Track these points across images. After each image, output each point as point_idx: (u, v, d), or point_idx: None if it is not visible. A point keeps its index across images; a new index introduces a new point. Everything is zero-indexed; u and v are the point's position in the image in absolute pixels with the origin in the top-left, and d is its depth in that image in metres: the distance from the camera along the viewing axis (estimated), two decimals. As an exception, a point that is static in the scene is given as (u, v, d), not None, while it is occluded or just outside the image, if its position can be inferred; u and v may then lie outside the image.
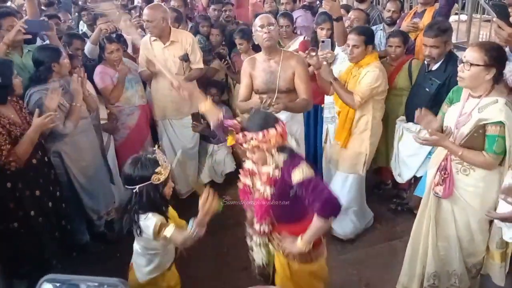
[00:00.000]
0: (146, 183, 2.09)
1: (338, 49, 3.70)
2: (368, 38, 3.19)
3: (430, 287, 2.74)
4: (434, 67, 3.10)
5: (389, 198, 4.07)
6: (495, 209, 2.37)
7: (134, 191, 2.10)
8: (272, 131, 2.01)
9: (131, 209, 2.13)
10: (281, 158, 2.06)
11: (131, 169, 2.10)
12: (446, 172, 2.48)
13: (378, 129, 3.41)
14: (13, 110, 2.70)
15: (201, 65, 3.90)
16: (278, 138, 2.03)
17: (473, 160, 2.35)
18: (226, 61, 4.31)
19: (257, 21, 3.06)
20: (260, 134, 2.00)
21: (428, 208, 2.63)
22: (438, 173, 2.53)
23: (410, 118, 3.20)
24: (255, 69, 3.15)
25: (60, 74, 3.05)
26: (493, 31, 5.00)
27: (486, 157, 2.29)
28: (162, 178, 2.11)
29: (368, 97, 3.17)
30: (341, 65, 3.59)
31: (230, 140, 2.12)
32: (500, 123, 2.22)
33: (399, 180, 3.53)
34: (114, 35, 4.11)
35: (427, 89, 3.12)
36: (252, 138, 2.03)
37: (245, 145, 2.07)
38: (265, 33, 2.97)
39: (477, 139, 2.32)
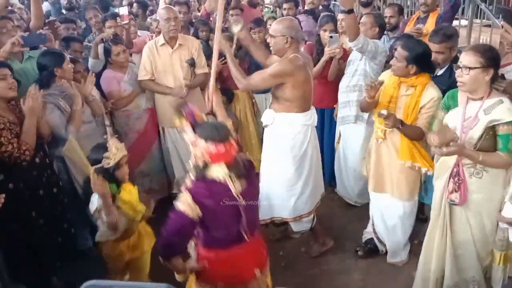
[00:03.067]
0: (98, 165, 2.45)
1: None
2: (412, 56, 2.76)
3: None
4: (439, 72, 3.09)
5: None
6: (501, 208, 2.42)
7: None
8: (203, 143, 1.91)
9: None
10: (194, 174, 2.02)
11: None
12: (460, 178, 2.47)
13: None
14: (11, 112, 2.72)
15: (207, 70, 3.90)
16: (206, 153, 1.92)
17: (493, 163, 2.37)
18: (224, 59, 4.28)
19: None
20: (193, 136, 1.96)
21: (441, 218, 2.61)
22: (452, 180, 2.51)
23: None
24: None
25: (64, 78, 3.05)
26: (493, 35, 5.06)
27: (504, 157, 2.32)
28: (112, 162, 2.44)
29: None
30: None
31: (176, 122, 2.13)
32: None
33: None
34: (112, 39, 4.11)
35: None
36: (188, 134, 2.01)
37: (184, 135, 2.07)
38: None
39: (488, 141, 2.34)
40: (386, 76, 3.03)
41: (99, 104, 3.42)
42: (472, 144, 2.38)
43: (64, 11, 5.61)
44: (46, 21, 3.86)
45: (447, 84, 2.99)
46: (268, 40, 3.14)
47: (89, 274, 2.46)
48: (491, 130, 2.33)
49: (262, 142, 4.64)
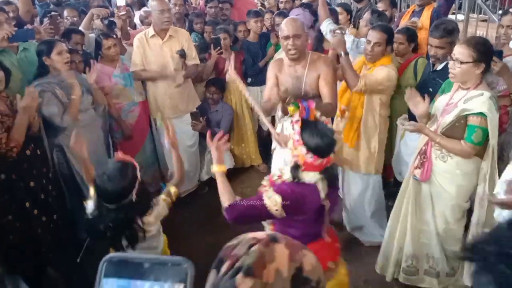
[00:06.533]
0: (136, 184, 2.09)
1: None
2: (390, 37, 3.08)
3: (408, 267, 2.86)
4: (439, 67, 3.09)
5: (390, 195, 4.05)
6: (469, 199, 2.60)
7: (132, 199, 2.07)
8: (303, 149, 1.90)
9: (135, 216, 2.09)
10: (289, 176, 1.99)
11: (120, 181, 2.04)
12: (425, 157, 2.62)
13: (385, 126, 3.30)
14: (3, 103, 2.72)
15: (198, 61, 3.95)
16: (301, 158, 1.92)
17: (450, 148, 2.48)
18: (220, 49, 4.25)
19: (282, 29, 2.82)
20: (298, 138, 1.92)
21: (408, 192, 2.76)
22: (418, 156, 2.67)
23: (412, 117, 3.17)
24: (281, 72, 2.96)
25: (54, 67, 3.05)
26: (490, 30, 5.07)
27: (463, 146, 2.42)
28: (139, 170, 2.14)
29: (370, 89, 3.03)
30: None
31: (291, 108, 2.07)
32: (482, 115, 2.34)
33: (399, 178, 3.54)
34: (106, 21, 4.14)
35: (430, 89, 3.08)
36: (294, 130, 1.94)
37: (290, 126, 1.99)
38: (291, 45, 2.79)
39: (458, 128, 2.45)
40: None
41: (101, 93, 3.43)
42: (443, 128, 2.50)
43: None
44: (48, 15, 3.84)
45: (446, 79, 3.00)
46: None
47: (85, 264, 2.49)
48: (463, 119, 2.42)
49: (257, 135, 4.70)
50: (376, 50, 3.01)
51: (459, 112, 2.41)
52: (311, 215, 2.00)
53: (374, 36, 2.99)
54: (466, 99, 2.42)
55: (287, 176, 2.00)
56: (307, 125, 1.92)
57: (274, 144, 3.25)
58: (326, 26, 3.56)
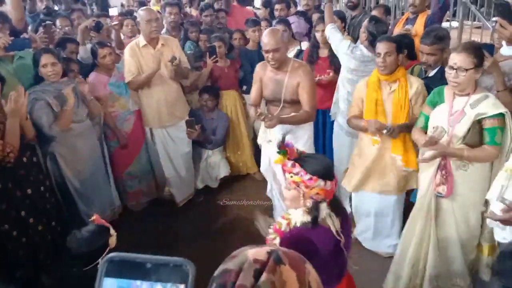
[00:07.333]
0: (107, 251, 1.96)
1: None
2: (398, 45, 2.92)
3: None
4: (431, 74, 3.11)
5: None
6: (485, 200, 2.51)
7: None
8: (321, 182, 1.78)
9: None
10: (303, 218, 1.84)
11: (89, 245, 1.97)
12: (447, 171, 2.55)
13: None
14: None
15: (188, 66, 3.98)
16: (321, 192, 1.81)
17: (479, 157, 2.45)
18: (215, 57, 4.25)
19: (263, 42, 2.99)
20: (309, 176, 1.79)
21: (425, 209, 2.69)
22: (439, 172, 2.59)
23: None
24: (265, 76, 3.14)
25: (44, 77, 3.08)
26: (484, 37, 5.11)
27: (490, 150, 2.41)
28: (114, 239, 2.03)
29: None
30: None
31: (279, 159, 1.98)
32: (498, 116, 2.37)
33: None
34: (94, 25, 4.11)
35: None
36: (298, 174, 1.81)
37: (287, 175, 1.86)
38: (270, 58, 2.97)
39: (474, 134, 2.43)
40: (362, 85, 3.09)
41: (97, 104, 3.43)
42: (459, 137, 2.46)
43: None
44: (42, 24, 3.84)
45: (438, 85, 3.00)
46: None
47: (79, 272, 2.47)
48: (477, 124, 2.42)
49: (253, 142, 4.70)
50: (389, 60, 2.87)
51: (474, 117, 2.40)
52: (328, 257, 1.86)
53: (383, 47, 2.89)
54: (472, 104, 2.42)
55: (297, 220, 1.86)
56: (303, 160, 1.84)
57: (260, 140, 3.37)
58: (330, 30, 3.62)
